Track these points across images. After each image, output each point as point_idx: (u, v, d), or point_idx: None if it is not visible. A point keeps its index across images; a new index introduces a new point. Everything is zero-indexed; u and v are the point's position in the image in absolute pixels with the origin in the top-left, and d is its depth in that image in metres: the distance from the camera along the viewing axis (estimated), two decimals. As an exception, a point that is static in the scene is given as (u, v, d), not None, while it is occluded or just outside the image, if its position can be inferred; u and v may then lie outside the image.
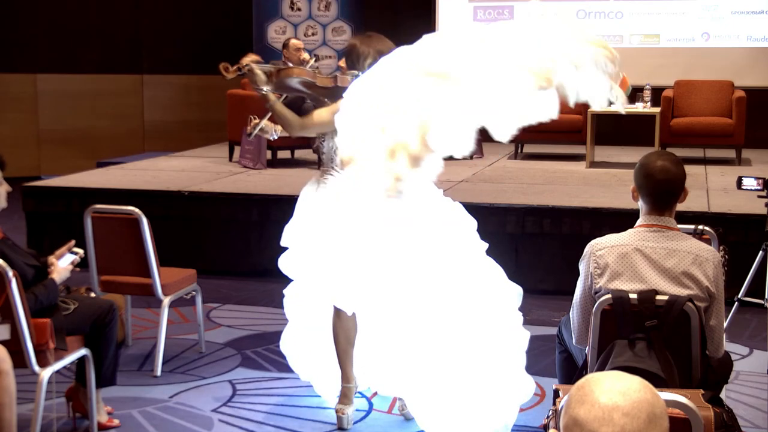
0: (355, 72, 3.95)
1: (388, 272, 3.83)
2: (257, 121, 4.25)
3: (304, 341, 4.40)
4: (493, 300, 3.90)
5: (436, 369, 3.84)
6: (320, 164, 4.18)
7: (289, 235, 4.22)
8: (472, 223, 4.00)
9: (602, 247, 3.18)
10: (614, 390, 1.52)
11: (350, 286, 3.94)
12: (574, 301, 3.31)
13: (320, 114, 4.00)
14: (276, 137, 4.36)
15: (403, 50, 3.47)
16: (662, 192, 3.15)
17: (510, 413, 3.93)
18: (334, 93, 3.95)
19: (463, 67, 3.20)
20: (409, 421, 4.14)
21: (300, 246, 4.15)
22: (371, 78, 3.50)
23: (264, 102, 4.05)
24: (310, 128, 4.05)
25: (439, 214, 3.94)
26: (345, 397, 4.12)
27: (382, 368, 4.08)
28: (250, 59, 4.02)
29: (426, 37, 3.44)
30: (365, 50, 3.97)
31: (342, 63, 4.54)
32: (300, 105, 7.90)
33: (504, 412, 3.90)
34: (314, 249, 4.04)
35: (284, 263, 4.27)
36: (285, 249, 4.27)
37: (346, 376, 4.14)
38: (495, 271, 3.95)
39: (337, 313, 4.09)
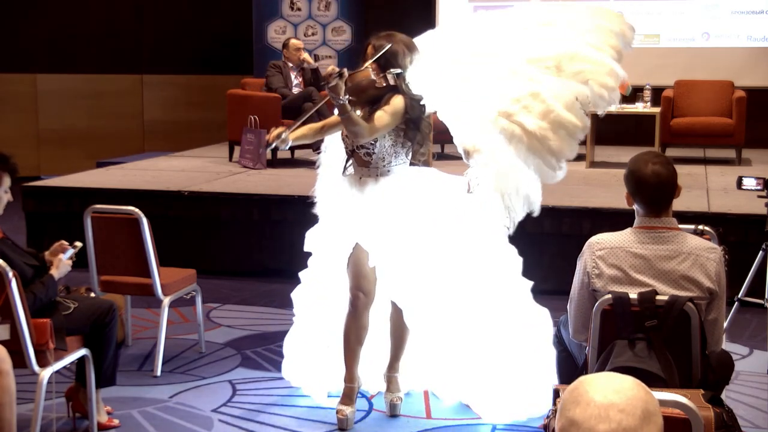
0: (397, 70, 3.96)
1: (436, 265, 4.02)
2: (279, 130, 4.08)
3: (308, 343, 4.41)
4: (510, 283, 4.13)
5: (473, 355, 4.06)
6: (361, 163, 4.08)
7: (321, 238, 4.24)
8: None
9: (602, 247, 3.18)
10: (608, 388, 1.53)
11: (409, 281, 4.02)
12: (570, 294, 3.32)
13: (383, 118, 3.93)
14: (288, 148, 4.31)
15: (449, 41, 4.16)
16: (658, 197, 3.14)
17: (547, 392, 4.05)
18: (382, 94, 3.99)
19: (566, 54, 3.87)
20: (406, 420, 4.14)
21: (341, 246, 4.11)
22: (439, 72, 3.99)
23: (341, 113, 3.87)
24: (376, 133, 3.96)
25: (459, 200, 4.12)
26: (347, 397, 4.13)
27: (420, 364, 4.27)
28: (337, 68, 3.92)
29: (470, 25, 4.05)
30: (398, 48, 4.02)
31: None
32: (300, 105, 7.92)
33: (542, 390, 4.02)
34: (372, 245, 4.01)
35: (319, 264, 4.31)
36: (290, 250, 4.30)
37: (350, 376, 4.14)
38: (507, 251, 4.13)
39: (353, 312, 4.09)
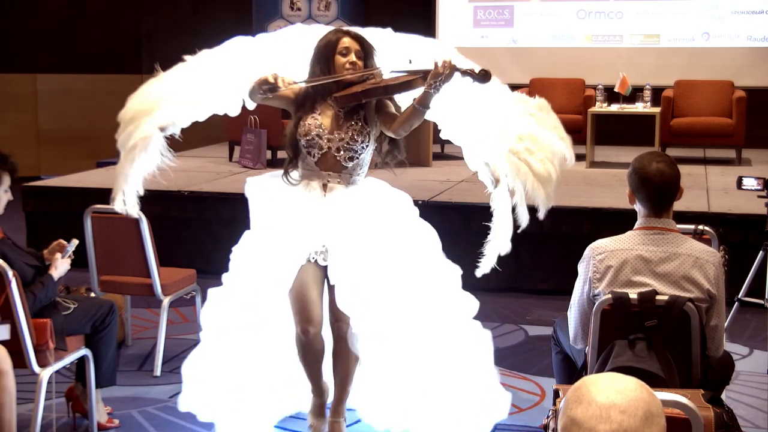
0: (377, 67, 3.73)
1: (395, 282, 3.69)
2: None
3: (221, 371, 3.82)
4: (452, 308, 3.78)
5: (411, 382, 3.71)
6: (330, 168, 3.73)
7: (260, 251, 3.75)
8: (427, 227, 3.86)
9: (602, 251, 3.18)
10: (611, 389, 1.53)
11: (372, 299, 3.64)
12: (572, 301, 3.31)
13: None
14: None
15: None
16: (660, 195, 3.15)
17: (484, 425, 3.79)
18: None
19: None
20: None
21: (287, 261, 3.66)
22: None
23: (426, 106, 3.56)
24: None
25: (403, 220, 3.83)
26: (317, 408, 3.86)
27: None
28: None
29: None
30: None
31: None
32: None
33: (477, 423, 3.75)
34: (342, 260, 3.64)
35: (244, 280, 3.77)
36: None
37: (318, 391, 3.84)
38: (450, 277, 3.81)
39: (304, 342, 3.68)
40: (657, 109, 8.61)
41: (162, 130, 4.08)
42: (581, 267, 3.26)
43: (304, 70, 3.80)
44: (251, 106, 4.00)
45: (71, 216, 6.62)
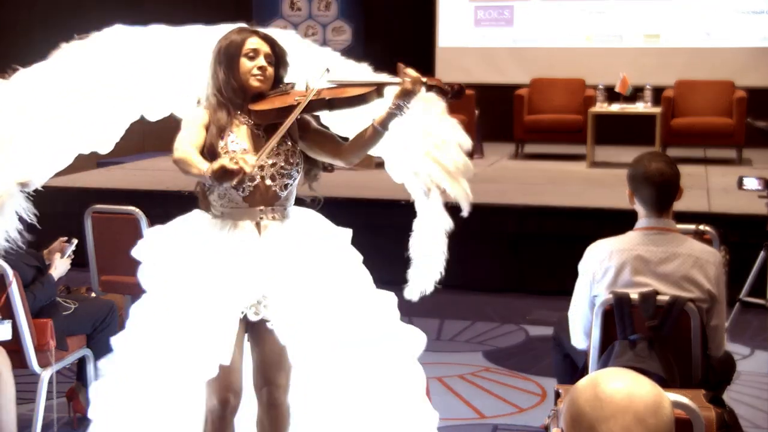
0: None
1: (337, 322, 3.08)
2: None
3: None
4: (392, 344, 3.17)
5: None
6: (263, 201, 3.02)
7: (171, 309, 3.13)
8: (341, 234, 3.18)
9: (602, 252, 3.18)
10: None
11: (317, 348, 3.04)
12: (572, 302, 3.31)
13: None
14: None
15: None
16: (661, 195, 3.15)
17: None
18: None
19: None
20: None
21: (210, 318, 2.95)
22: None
23: (385, 128, 2.93)
24: None
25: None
26: None
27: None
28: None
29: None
30: None
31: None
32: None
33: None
34: (289, 318, 2.98)
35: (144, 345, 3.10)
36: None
37: None
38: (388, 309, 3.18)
39: (220, 422, 2.98)
40: (657, 109, 8.62)
41: (23, 186, 3.41)
42: (581, 267, 3.25)
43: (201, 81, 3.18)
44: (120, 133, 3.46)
45: (71, 216, 6.62)
